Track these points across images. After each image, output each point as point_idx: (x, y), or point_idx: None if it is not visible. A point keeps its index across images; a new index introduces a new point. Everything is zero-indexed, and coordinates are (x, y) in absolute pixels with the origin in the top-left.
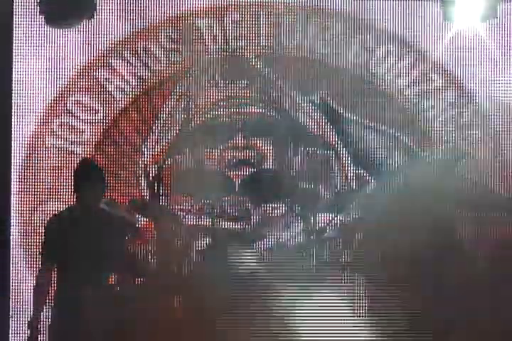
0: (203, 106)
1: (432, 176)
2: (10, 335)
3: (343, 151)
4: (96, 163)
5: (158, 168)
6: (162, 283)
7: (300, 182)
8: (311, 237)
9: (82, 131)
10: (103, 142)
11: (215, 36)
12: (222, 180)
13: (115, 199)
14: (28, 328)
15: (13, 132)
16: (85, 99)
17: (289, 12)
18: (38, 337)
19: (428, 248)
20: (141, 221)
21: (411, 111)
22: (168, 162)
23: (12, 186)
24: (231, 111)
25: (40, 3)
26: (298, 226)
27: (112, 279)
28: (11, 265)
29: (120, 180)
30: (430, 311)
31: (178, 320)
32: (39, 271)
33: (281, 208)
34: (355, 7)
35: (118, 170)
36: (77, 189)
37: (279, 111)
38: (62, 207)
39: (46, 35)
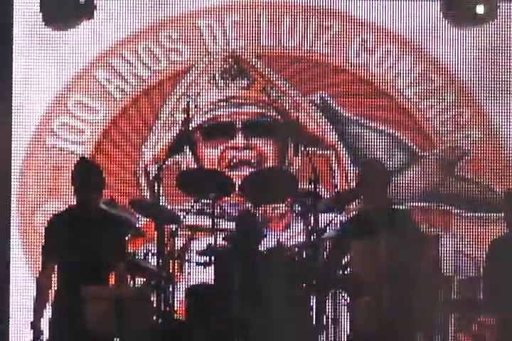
0: (203, 106)
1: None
2: (10, 335)
3: (343, 151)
4: (93, 162)
5: (158, 168)
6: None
7: (300, 182)
8: (311, 237)
9: (82, 131)
10: (103, 142)
11: (215, 36)
12: (222, 180)
13: (115, 199)
14: (30, 328)
15: (13, 132)
16: (85, 99)
17: (289, 12)
18: (40, 337)
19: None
20: (141, 221)
21: (411, 111)
22: (168, 162)
23: (12, 186)
24: (231, 111)
25: (40, 4)
26: (298, 226)
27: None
28: (11, 265)
29: (120, 180)
30: None
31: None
32: (40, 271)
33: (281, 208)
34: (355, 7)
35: (118, 170)
36: (76, 189)
37: (279, 111)
38: (62, 207)
39: (46, 35)
